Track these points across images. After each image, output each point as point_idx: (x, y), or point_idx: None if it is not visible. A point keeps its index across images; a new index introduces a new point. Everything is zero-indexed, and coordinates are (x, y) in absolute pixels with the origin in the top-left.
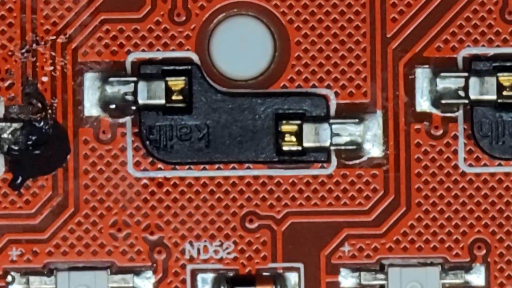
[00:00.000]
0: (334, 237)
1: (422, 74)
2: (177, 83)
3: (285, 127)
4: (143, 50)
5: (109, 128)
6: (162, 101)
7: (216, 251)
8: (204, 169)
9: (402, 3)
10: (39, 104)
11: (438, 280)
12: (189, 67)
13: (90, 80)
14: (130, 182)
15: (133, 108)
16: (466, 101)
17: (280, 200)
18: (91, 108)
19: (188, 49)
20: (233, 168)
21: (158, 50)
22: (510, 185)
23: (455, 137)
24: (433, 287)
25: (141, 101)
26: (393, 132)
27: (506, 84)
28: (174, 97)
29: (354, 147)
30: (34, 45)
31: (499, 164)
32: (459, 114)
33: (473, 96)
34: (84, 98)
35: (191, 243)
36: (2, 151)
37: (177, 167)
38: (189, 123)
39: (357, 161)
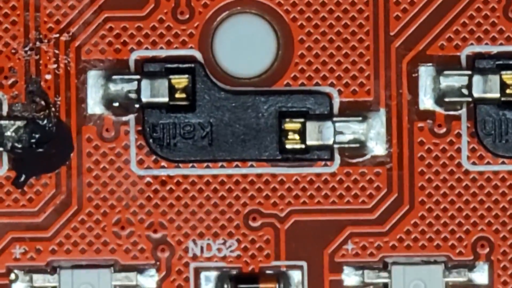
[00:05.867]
0: (337, 235)
1: (425, 72)
2: (180, 81)
3: (288, 125)
4: (147, 48)
5: (113, 126)
6: (166, 99)
7: (219, 249)
8: (208, 167)
9: (405, 1)
10: (43, 102)
11: (441, 279)
12: (193, 65)
13: (93, 78)
14: (134, 180)
15: (137, 106)
16: (470, 99)
17: (283, 198)
18: (94, 106)
19: (191, 47)
20: (236, 166)
21: (161, 48)
22: None
23: (459, 135)
24: (437, 285)
25: (144, 99)
26: (396, 130)
27: (509, 82)
28: (177, 95)
29: (357, 145)
30: (38, 43)
31: (503, 162)
32: (463, 112)
33: (476, 94)
34: (87, 96)
35: (194, 241)
36: (6, 149)
37: (180, 165)
38: (193, 121)
39: (360, 159)
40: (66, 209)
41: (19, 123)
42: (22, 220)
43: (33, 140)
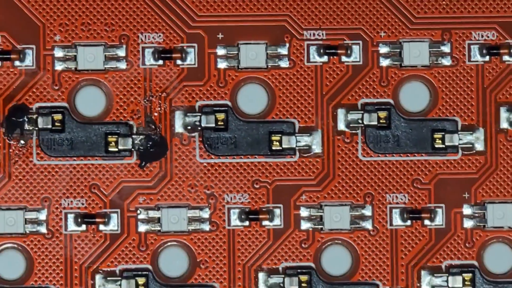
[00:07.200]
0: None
1: (340, 112)
2: (220, 116)
3: (273, 138)
4: (204, 99)
5: (187, 138)
6: (213, 125)
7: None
8: (234, 158)
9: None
10: (153, 126)
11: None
12: (226, 108)
13: (178, 115)
14: (197, 165)
15: (199, 128)
16: (362, 125)
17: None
18: (178, 128)
19: (225, 99)
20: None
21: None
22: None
23: (357, 143)
24: None
25: (203, 124)
26: (326, 141)
27: (381, 116)
28: (219, 123)
29: (307, 147)
30: (150, 97)
31: (379, 156)
32: (359, 132)
33: (366, 122)
34: (175, 123)
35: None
36: (135, 149)
37: (220, 157)
38: (226, 136)
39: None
40: (164, 179)
41: (141, 137)
42: (143, 184)
43: (148, 145)
